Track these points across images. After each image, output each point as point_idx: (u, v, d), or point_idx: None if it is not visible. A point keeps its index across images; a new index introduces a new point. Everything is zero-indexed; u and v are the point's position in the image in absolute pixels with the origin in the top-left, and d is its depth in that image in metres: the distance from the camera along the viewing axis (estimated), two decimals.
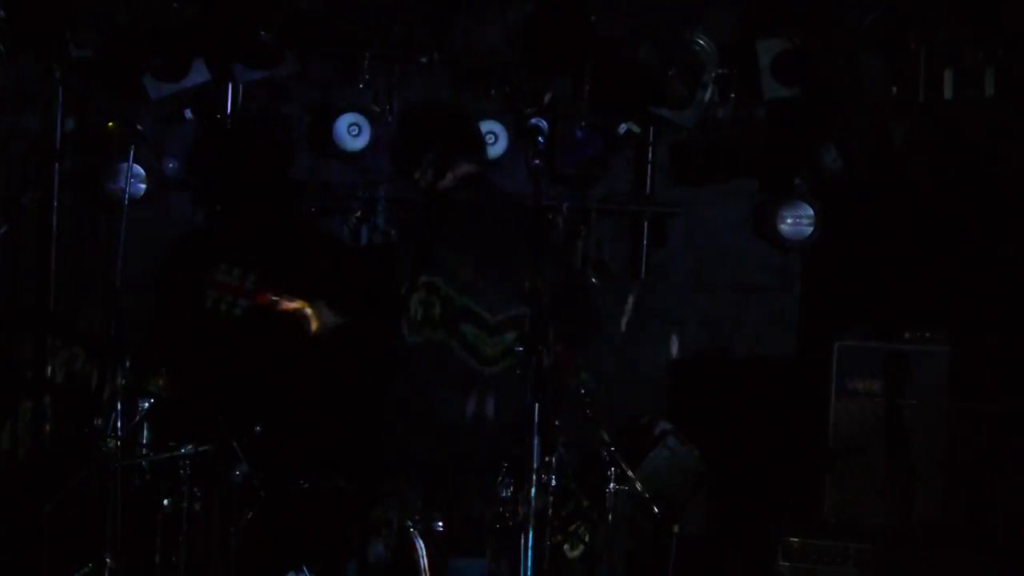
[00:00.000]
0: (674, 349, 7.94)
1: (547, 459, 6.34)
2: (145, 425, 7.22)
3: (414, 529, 6.34)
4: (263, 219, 8.67)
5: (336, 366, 7.16)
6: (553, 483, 6.54)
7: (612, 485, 7.44)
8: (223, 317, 6.59)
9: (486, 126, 8.62)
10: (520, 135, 8.58)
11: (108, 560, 6.97)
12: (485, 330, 6.28)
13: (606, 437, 7.48)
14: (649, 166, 9.11)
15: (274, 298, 6.59)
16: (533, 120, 8.49)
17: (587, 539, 7.56)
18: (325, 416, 7.95)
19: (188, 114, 8.61)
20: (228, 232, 8.66)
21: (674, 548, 7.64)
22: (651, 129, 9.01)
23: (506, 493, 6.05)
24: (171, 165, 8.22)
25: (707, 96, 8.70)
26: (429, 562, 6.33)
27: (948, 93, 8.45)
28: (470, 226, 6.34)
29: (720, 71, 8.70)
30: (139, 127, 8.02)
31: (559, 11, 8.46)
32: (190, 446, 7.00)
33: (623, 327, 8.86)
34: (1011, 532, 7.80)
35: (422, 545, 6.33)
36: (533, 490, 5.55)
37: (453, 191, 6.39)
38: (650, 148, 9.08)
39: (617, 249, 9.13)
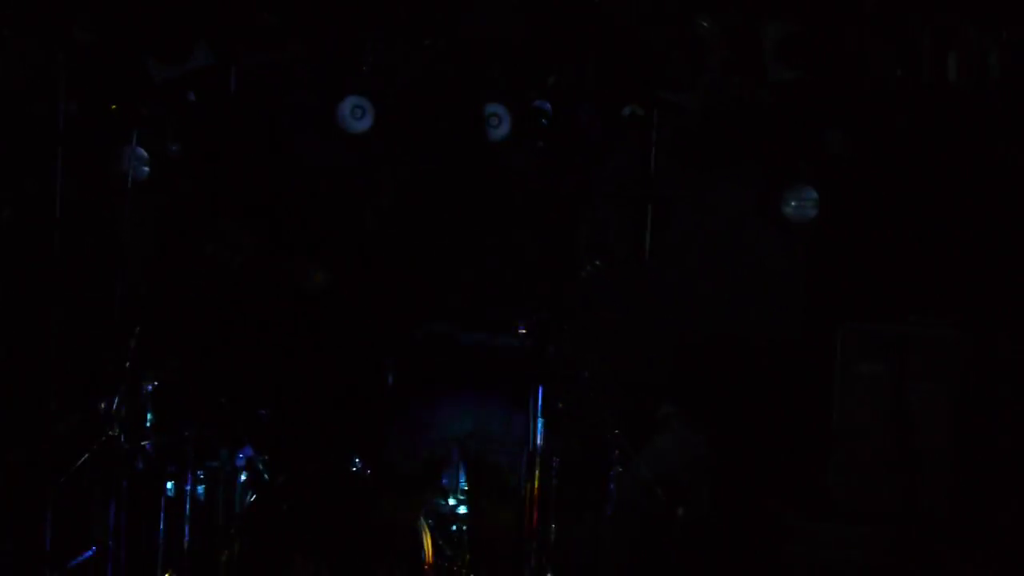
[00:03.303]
0: None
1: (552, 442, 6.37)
2: (149, 408, 7.22)
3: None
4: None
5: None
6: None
7: (616, 468, 7.44)
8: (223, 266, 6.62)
9: (489, 108, 8.62)
10: (523, 118, 8.55)
11: (111, 544, 6.97)
12: None
13: (610, 420, 7.48)
14: (653, 149, 9.08)
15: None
16: (536, 103, 8.47)
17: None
18: (335, 400, 7.95)
19: (192, 96, 8.59)
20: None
21: (679, 531, 7.65)
22: (655, 112, 8.98)
23: None
24: (175, 148, 8.20)
25: (711, 79, 8.68)
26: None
27: (952, 75, 8.43)
28: None
29: (725, 53, 8.69)
30: (142, 110, 7.99)
31: None
32: (193, 429, 7.01)
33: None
34: (1019, 519, 7.78)
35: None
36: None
37: None
38: (654, 131, 9.05)
39: (620, 232, 9.11)
